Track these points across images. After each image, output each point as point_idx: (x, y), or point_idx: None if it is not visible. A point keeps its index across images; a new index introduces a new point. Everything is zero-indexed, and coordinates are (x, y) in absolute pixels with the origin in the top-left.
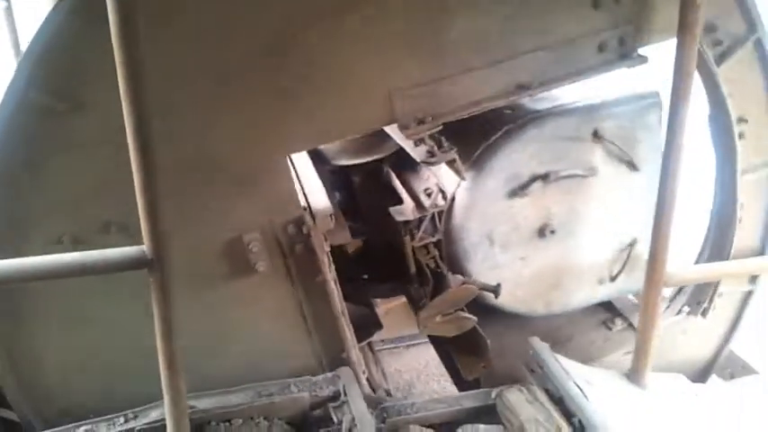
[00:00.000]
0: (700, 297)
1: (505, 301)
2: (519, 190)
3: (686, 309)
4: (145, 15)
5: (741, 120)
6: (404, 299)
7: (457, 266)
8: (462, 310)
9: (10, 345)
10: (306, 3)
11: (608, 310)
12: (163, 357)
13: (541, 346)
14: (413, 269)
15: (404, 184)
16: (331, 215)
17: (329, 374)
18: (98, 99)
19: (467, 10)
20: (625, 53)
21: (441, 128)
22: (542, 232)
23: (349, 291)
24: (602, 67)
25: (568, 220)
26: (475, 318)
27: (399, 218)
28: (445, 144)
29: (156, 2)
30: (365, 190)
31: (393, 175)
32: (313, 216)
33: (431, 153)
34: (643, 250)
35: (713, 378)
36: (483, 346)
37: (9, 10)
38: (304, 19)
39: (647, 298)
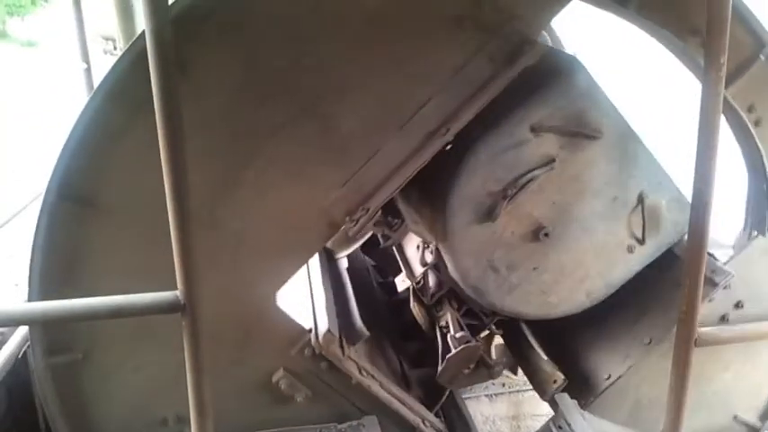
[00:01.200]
0: None
1: (550, 310)
2: (488, 215)
3: None
4: None
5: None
6: None
7: (480, 303)
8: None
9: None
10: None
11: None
12: (193, 402)
13: (569, 404)
14: (429, 330)
15: (398, 251)
16: (329, 331)
17: (354, 422)
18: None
19: (342, 106)
20: (515, 51)
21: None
22: (537, 237)
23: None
24: (500, 73)
25: (556, 215)
26: (500, 366)
27: (402, 286)
28: (394, 222)
29: None
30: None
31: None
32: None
33: (386, 237)
34: (655, 198)
35: None
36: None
37: (88, 71)
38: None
39: (677, 358)
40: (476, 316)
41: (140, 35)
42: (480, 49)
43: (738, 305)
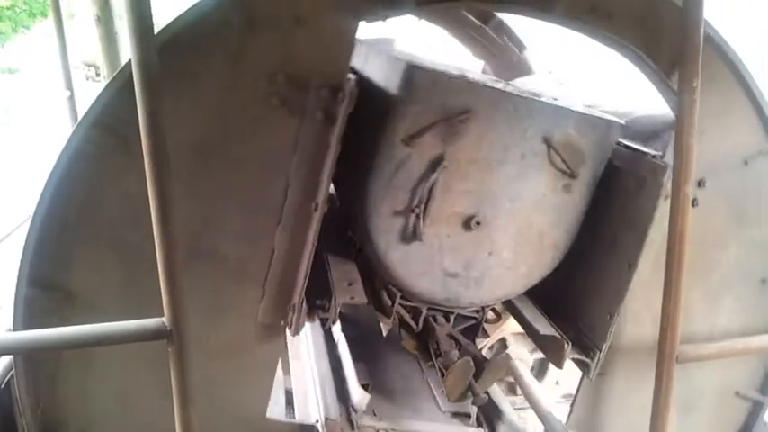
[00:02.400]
0: None
1: (527, 281)
2: (415, 237)
3: None
4: None
5: None
6: None
7: (462, 307)
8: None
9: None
10: None
11: None
12: (180, 426)
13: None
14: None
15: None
16: (328, 419)
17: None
18: None
19: (217, 235)
20: (331, 106)
21: None
22: (469, 226)
23: None
24: (330, 129)
25: (478, 200)
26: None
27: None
28: (322, 302)
29: None
30: None
31: None
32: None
33: (324, 319)
34: (561, 133)
35: None
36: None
37: (72, 99)
38: None
39: (659, 376)
40: (467, 318)
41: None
42: (301, 119)
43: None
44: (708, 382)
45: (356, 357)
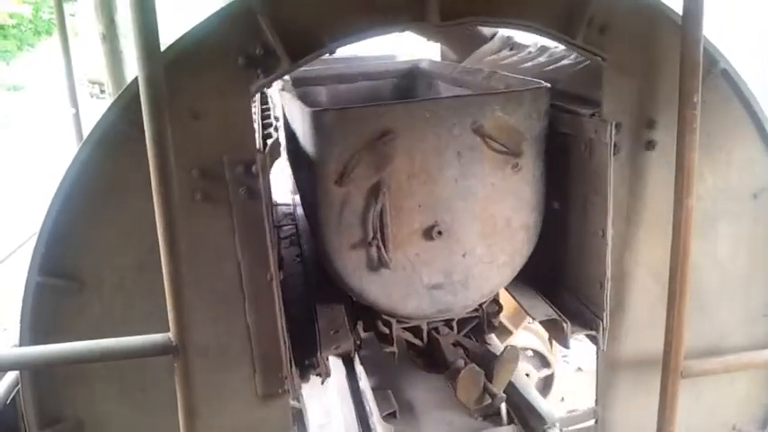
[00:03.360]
0: None
1: (512, 269)
2: (382, 264)
3: None
4: None
5: None
6: None
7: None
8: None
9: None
10: None
11: None
12: None
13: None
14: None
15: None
16: None
17: None
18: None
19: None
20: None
21: None
22: (434, 237)
23: None
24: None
25: (430, 210)
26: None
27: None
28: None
29: None
30: None
31: None
32: None
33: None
34: (489, 116)
35: None
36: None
37: (77, 116)
38: None
39: (664, 391)
40: (470, 318)
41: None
42: (228, 204)
43: None
44: (706, 414)
45: (382, 384)
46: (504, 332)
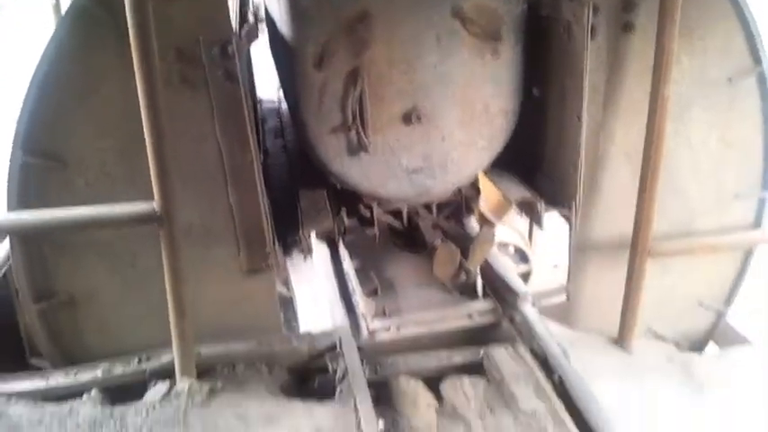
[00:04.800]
0: None
1: (490, 153)
2: (361, 148)
3: None
4: None
5: None
6: None
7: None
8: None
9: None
10: None
11: None
12: (172, 305)
13: (531, 311)
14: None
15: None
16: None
17: (327, 329)
18: None
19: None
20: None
21: None
22: (414, 121)
23: None
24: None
25: (409, 96)
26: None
27: None
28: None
29: None
30: None
31: None
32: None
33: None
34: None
35: (709, 348)
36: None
37: (57, 6)
38: None
39: (632, 265)
40: (449, 202)
41: None
42: (206, 85)
43: None
44: (673, 292)
45: (365, 266)
46: (486, 225)
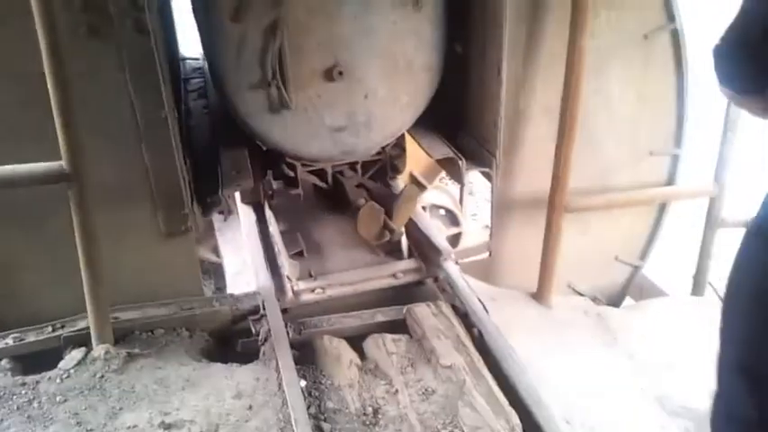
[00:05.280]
0: None
1: (416, 109)
2: (283, 106)
3: None
4: None
5: None
6: None
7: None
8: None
9: None
10: None
11: None
12: (85, 270)
13: (454, 269)
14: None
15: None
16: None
17: (250, 291)
18: None
19: None
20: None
21: None
22: (335, 77)
23: None
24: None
25: (329, 51)
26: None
27: None
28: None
29: None
30: None
31: None
32: None
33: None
34: None
35: (627, 301)
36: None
37: None
38: None
39: (549, 221)
40: (374, 161)
41: None
42: (115, 38)
43: None
44: (591, 247)
45: (291, 228)
46: (417, 188)
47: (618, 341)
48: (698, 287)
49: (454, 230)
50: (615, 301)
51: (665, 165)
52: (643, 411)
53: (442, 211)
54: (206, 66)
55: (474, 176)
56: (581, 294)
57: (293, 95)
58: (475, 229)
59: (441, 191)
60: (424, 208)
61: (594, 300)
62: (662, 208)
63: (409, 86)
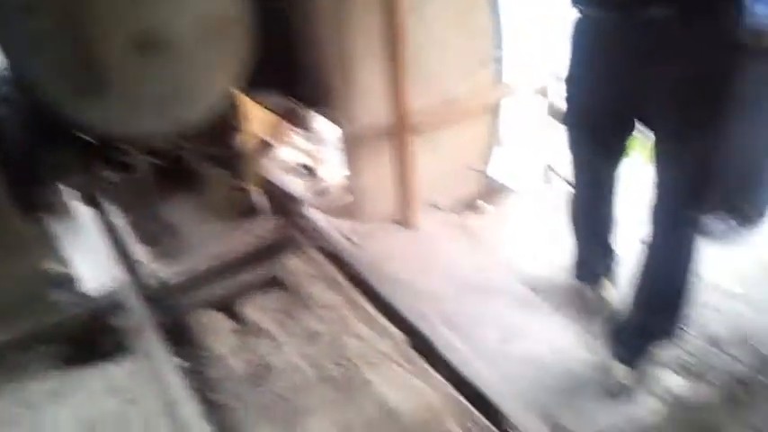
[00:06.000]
0: None
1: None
2: (100, 87)
3: None
4: None
5: None
6: None
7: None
8: None
9: None
10: None
11: None
12: None
13: (313, 213)
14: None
15: None
16: None
17: (107, 288)
18: None
19: None
20: None
21: None
22: (148, 53)
23: None
24: None
25: (127, 29)
26: None
27: None
28: None
29: None
30: None
31: None
32: None
33: None
34: None
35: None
36: None
37: None
38: None
39: (399, 147)
40: (210, 126)
41: None
42: None
43: None
44: (443, 162)
45: (142, 215)
46: (266, 148)
47: (482, 243)
48: (544, 176)
49: (317, 182)
50: (473, 208)
51: (491, 69)
52: (513, 298)
53: (301, 167)
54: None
55: (324, 124)
56: (442, 209)
57: (105, 74)
58: (337, 175)
59: (294, 147)
60: (281, 169)
61: (454, 211)
62: (495, 111)
63: (227, 46)
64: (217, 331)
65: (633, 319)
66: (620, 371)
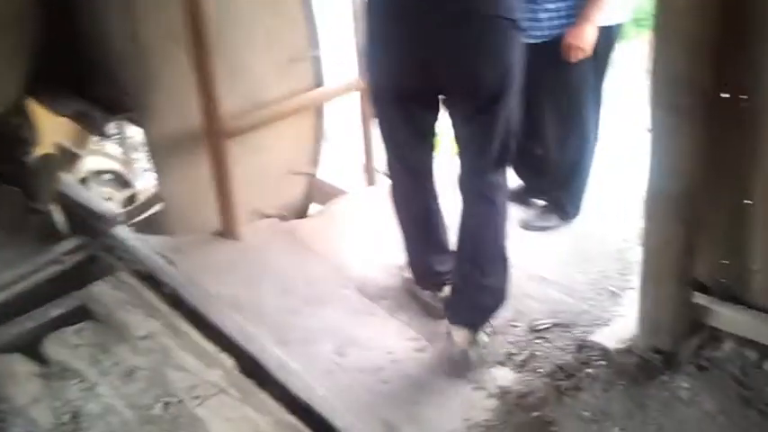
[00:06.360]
0: None
1: None
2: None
3: None
4: None
5: None
6: None
7: None
8: None
9: None
10: None
11: None
12: None
13: (125, 232)
14: None
15: None
16: None
17: None
18: None
19: None
20: None
21: None
22: None
23: None
24: None
25: None
26: None
27: None
28: None
29: None
30: None
31: None
32: None
33: None
34: None
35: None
36: None
37: None
38: None
39: (212, 151)
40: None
41: None
42: None
43: None
44: (265, 165)
45: None
46: (72, 159)
47: (311, 248)
48: (369, 177)
49: (128, 192)
50: (301, 213)
51: (310, 69)
52: (347, 306)
53: (108, 176)
54: None
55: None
56: (268, 216)
57: None
58: (150, 183)
59: (100, 154)
60: (84, 179)
61: (282, 217)
62: (319, 111)
63: (7, 42)
64: (15, 377)
65: (461, 286)
66: (459, 336)
